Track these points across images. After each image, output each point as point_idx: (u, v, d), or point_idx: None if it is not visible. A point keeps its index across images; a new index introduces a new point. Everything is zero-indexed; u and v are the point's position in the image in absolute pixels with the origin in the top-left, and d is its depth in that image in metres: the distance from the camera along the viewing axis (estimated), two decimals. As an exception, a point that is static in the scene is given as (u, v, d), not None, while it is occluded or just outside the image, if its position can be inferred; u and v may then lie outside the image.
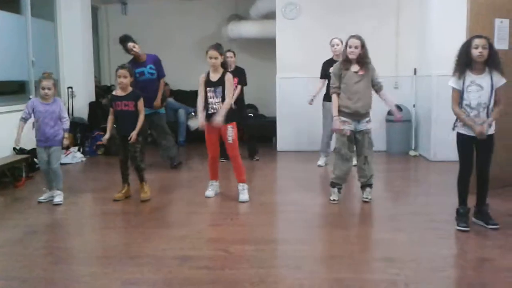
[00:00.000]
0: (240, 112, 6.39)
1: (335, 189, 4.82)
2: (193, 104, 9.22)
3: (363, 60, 4.64)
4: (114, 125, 5.01)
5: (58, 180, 4.98)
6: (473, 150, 3.92)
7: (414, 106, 7.64)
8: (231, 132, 4.85)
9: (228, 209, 4.78)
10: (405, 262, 3.31)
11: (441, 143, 6.77)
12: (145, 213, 4.60)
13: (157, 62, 6.30)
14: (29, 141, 5.64)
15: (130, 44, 6.06)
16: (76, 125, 7.76)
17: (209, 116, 4.83)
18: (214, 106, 4.80)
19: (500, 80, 3.81)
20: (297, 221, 4.34)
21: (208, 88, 4.81)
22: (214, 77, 4.81)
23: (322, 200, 4.91)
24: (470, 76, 3.82)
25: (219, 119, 4.70)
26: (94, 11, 9.26)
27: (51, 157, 4.92)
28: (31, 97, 7.09)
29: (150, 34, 9.46)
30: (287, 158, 7.54)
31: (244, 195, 4.91)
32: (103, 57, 10.03)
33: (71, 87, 7.95)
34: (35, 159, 6.33)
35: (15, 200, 5.17)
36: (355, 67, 4.67)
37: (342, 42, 5.98)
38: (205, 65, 4.83)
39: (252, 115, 9.23)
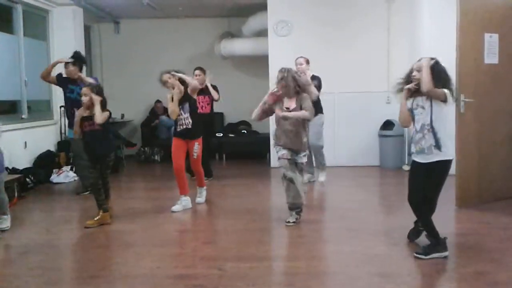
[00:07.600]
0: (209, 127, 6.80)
1: (293, 212, 4.60)
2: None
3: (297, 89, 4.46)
4: (84, 148, 4.86)
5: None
6: (421, 177, 3.69)
7: (406, 120, 7.67)
8: (196, 148, 5.17)
9: (221, 226, 4.76)
10: (401, 276, 3.30)
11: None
12: (138, 231, 4.56)
13: None
14: (21, 161, 5.61)
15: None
16: (68, 144, 7.72)
17: (178, 133, 5.12)
18: (184, 121, 5.09)
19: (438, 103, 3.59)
20: (290, 238, 4.32)
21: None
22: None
23: (315, 216, 4.89)
24: (416, 99, 3.69)
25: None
26: (87, 30, 9.28)
27: None
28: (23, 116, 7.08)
29: (142, 52, 9.51)
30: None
31: (201, 198, 5.41)
32: (96, 76, 10.02)
33: (63, 106, 7.92)
34: (27, 179, 6.30)
35: (7, 221, 5.10)
36: (286, 101, 4.49)
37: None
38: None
39: (245, 131, 9.27)
